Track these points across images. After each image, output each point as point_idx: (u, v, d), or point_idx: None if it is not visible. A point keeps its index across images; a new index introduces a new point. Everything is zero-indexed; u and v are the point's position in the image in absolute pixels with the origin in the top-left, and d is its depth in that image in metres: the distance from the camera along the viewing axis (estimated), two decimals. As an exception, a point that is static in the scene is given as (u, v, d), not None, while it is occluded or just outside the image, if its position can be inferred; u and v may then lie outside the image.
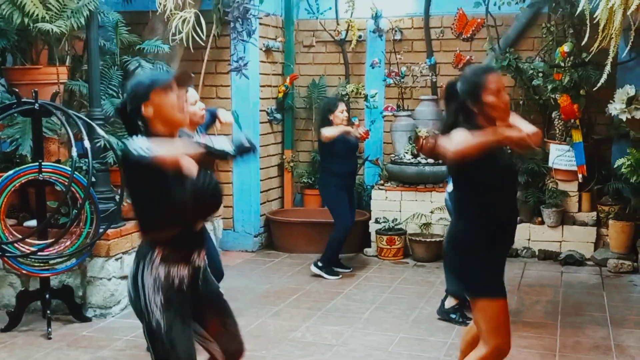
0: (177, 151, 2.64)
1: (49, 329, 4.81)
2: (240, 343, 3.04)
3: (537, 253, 6.92)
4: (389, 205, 7.18)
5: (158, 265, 2.76)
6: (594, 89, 5.56)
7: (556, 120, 6.84)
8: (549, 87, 6.68)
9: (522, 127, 3.24)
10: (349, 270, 6.53)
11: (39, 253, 4.84)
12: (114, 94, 5.85)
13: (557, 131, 6.86)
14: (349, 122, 6.70)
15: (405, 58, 7.66)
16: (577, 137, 6.66)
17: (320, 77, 7.92)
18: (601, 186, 6.94)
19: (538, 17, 7.19)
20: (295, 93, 7.91)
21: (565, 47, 6.53)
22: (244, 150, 2.74)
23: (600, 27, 4.51)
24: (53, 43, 5.51)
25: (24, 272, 4.95)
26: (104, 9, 5.88)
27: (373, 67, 7.81)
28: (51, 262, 4.94)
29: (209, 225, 5.64)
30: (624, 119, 6.17)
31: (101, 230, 5.00)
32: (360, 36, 7.70)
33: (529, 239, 6.96)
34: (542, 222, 6.92)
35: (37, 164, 4.83)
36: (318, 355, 4.52)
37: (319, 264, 6.37)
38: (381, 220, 7.13)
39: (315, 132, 7.16)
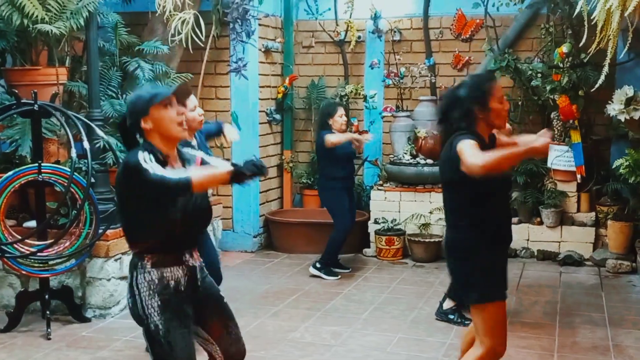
0: (206, 174, 2.69)
1: (49, 330, 4.82)
2: (242, 346, 3.07)
3: (535, 253, 6.92)
4: (388, 206, 7.18)
5: (150, 270, 2.80)
6: (593, 90, 5.55)
7: (555, 120, 6.84)
8: (548, 87, 6.68)
9: (530, 139, 3.29)
10: (348, 271, 6.53)
11: (39, 254, 4.85)
12: (114, 95, 5.86)
13: (556, 132, 6.85)
14: (348, 126, 6.70)
15: (404, 59, 7.67)
16: (576, 137, 6.65)
17: (319, 77, 7.93)
18: (600, 187, 6.94)
19: (537, 18, 7.20)
20: (294, 94, 7.91)
21: (564, 48, 6.53)
22: (254, 173, 2.71)
23: (598, 28, 4.51)
24: (52, 44, 5.52)
25: (23, 272, 4.96)
26: (103, 10, 5.89)
27: (372, 68, 7.82)
28: (51, 262, 4.95)
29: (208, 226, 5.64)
30: (623, 120, 6.17)
31: (100, 231, 5.01)
32: (359, 37, 7.70)
33: (527, 240, 6.97)
34: (540, 223, 6.92)
35: (37, 164, 4.84)
36: (317, 355, 4.53)
37: (318, 265, 6.38)
38: (380, 221, 7.13)
39: (315, 134, 7.15)
